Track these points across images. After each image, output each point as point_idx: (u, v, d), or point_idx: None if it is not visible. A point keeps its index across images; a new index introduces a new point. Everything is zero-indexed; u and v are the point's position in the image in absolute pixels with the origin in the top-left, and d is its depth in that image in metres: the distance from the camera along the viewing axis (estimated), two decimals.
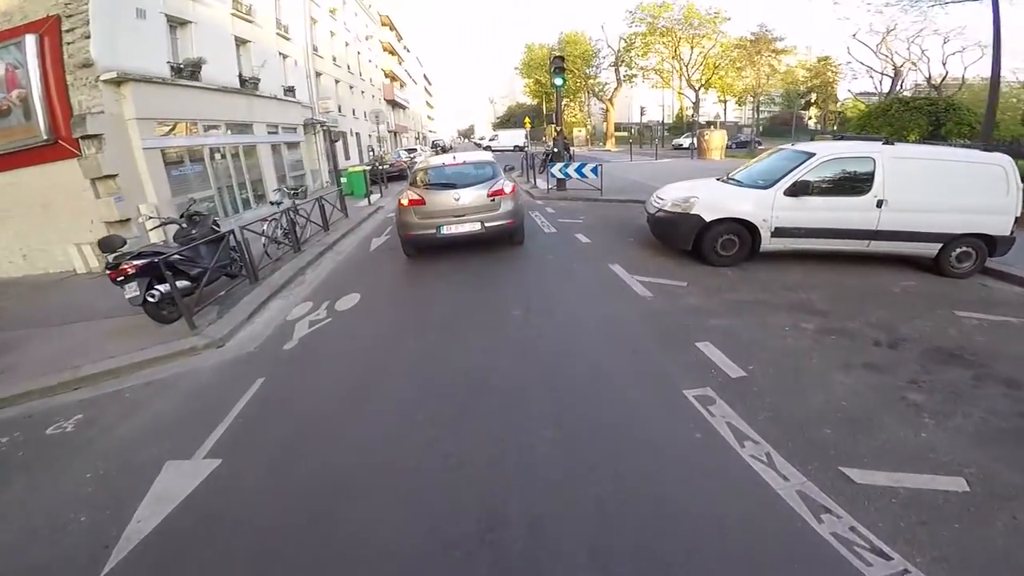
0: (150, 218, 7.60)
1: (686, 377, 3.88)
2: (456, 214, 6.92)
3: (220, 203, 13.16)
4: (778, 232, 5.91)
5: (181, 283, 6.08)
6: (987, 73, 11.56)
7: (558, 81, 13.29)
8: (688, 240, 6.23)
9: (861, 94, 48.48)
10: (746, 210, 5.92)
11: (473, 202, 6.93)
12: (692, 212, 6.14)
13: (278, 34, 18.25)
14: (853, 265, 6.22)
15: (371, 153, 30.90)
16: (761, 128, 51.52)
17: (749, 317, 4.82)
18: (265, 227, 8.12)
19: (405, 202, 6.96)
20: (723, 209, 6.02)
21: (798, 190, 5.69)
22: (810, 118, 60.21)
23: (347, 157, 28.96)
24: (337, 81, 27.44)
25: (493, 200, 6.97)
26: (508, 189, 7.12)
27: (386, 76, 46.06)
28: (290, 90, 18.67)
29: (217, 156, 13.27)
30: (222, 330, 5.68)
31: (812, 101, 53.79)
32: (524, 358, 4.30)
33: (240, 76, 14.88)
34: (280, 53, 18.50)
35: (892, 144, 5.86)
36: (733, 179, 6.80)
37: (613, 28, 61.25)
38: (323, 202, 10.65)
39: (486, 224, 6.95)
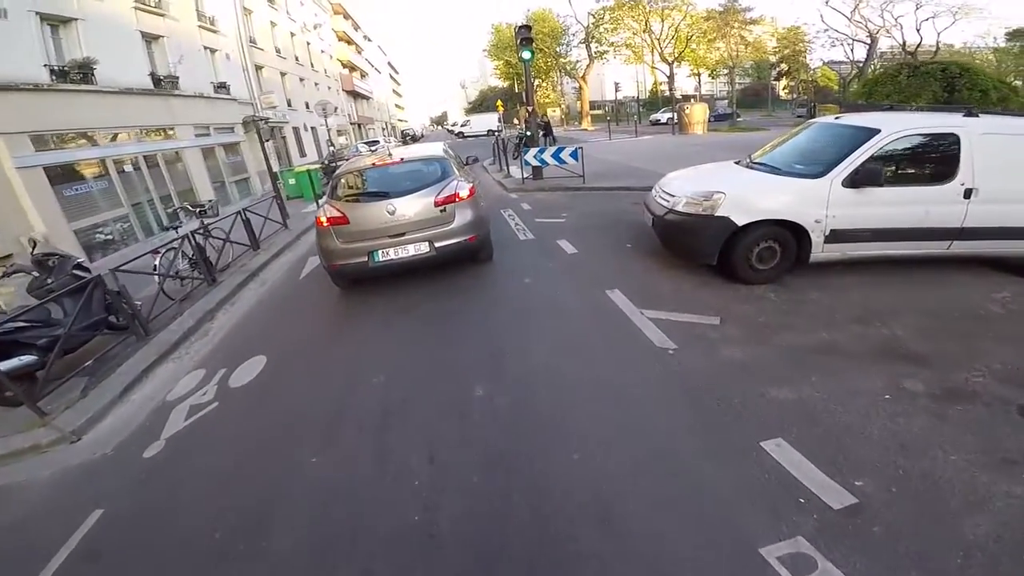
0: None
1: (758, 516, 2.32)
2: (393, 233, 5.11)
3: (137, 222, 11.21)
4: (834, 236, 4.32)
5: (18, 360, 4.45)
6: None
7: (526, 55, 11.38)
8: (712, 252, 4.55)
9: (831, 63, 47.57)
10: (791, 208, 4.31)
11: (416, 215, 5.13)
12: (717, 214, 4.41)
13: (201, 27, 16.05)
14: (920, 271, 4.65)
15: (330, 148, 28.75)
16: (732, 101, 50.17)
17: (825, 378, 3.24)
18: (158, 261, 6.27)
19: (324, 220, 5.17)
20: (760, 208, 4.35)
21: (862, 179, 4.09)
22: (784, 88, 59.28)
23: (302, 154, 26.76)
24: (283, 74, 25.12)
25: (443, 210, 5.17)
26: (464, 192, 5.29)
27: (344, 66, 43.43)
28: (222, 86, 16.54)
29: (128, 168, 11.24)
30: (81, 416, 4.22)
31: (784, 71, 52.73)
32: (488, 492, 2.66)
33: (153, 75, 12.81)
34: (206, 47, 16.33)
35: (976, 115, 4.30)
36: (760, 163, 5.12)
37: (581, 3, 59.06)
38: (249, 214, 8.76)
39: (437, 244, 5.17)
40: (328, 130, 26.00)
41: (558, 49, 44.78)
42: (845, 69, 44.52)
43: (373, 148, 28.55)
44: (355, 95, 46.59)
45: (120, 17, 11.86)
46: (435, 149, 6.07)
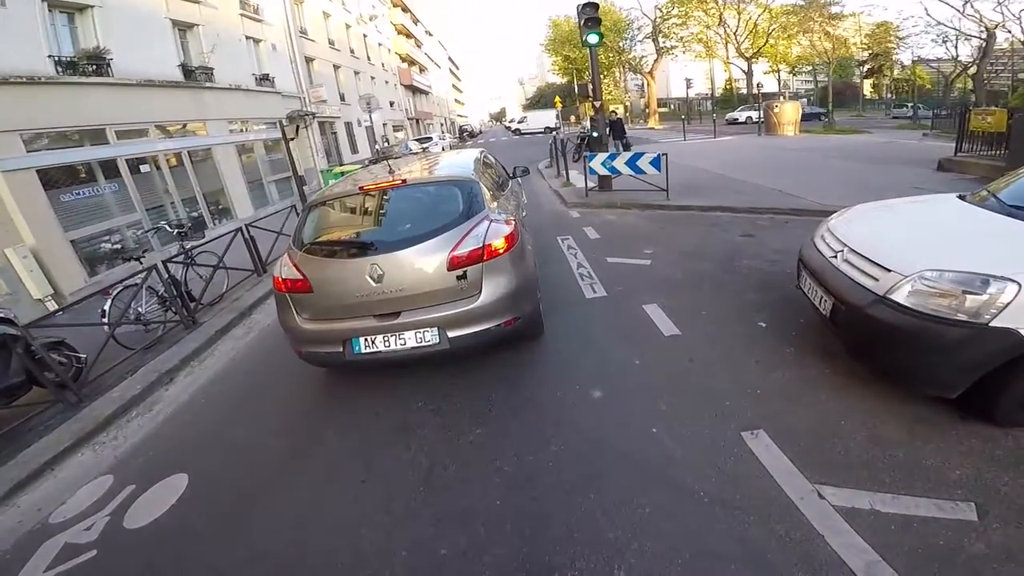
0: None
1: None
2: (381, 312, 3.16)
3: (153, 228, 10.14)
4: None
5: None
6: None
7: (592, 38, 9.11)
8: (961, 382, 2.34)
9: (922, 60, 42.06)
10: None
11: (419, 282, 3.11)
12: (993, 322, 2.15)
13: (243, 15, 15.08)
14: None
15: (384, 144, 27.81)
16: (815, 99, 45.42)
17: None
18: (108, 304, 4.83)
19: (282, 281, 3.31)
20: None
21: None
22: (873, 86, 53.52)
23: (354, 150, 25.90)
24: (337, 67, 24.25)
25: (462, 275, 3.11)
26: (498, 241, 3.18)
27: (403, 60, 42.70)
28: (265, 78, 15.54)
29: (144, 168, 10.20)
30: None
31: (873, 70, 47.23)
32: None
33: (183, 66, 11.78)
34: (248, 37, 15.35)
35: None
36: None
37: None
38: (255, 230, 7.31)
39: (452, 333, 3.15)
40: (380, 125, 24.96)
41: (621, 44, 42.00)
42: (946, 67, 39.20)
43: (425, 146, 27.25)
44: (413, 90, 45.91)
45: (146, 4, 10.87)
46: (462, 163, 4.06)
